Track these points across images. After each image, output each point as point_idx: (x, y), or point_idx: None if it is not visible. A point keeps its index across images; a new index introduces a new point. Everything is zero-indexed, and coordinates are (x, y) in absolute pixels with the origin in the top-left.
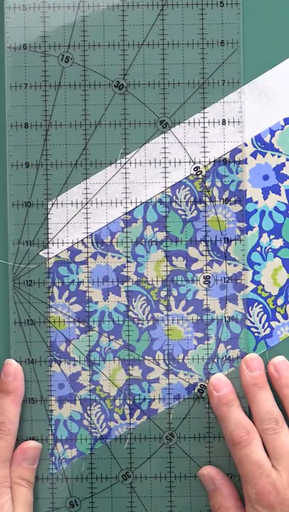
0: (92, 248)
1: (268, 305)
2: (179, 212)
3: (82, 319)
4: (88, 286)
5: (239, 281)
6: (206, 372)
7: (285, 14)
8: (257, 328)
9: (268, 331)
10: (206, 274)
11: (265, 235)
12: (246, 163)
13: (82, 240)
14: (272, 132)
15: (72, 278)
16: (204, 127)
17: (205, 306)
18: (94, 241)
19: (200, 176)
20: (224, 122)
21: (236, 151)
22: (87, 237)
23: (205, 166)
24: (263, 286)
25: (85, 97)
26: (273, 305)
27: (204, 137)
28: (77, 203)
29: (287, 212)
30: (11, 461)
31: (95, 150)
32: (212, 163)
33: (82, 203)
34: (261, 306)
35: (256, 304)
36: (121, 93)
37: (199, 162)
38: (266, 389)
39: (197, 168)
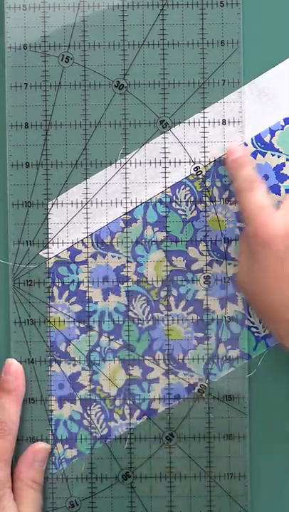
0: (92, 248)
1: None
2: (179, 212)
3: (82, 319)
4: (88, 286)
5: None
6: (206, 373)
7: (285, 14)
8: (257, 328)
9: (268, 330)
10: (206, 274)
11: None
12: None
13: (82, 240)
14: (272, 132)
15: (72, 278)
16: (204, 127)
17: (205, 306)
18: (94, 241)
19: (200, 176)
20: (224, 122)
21: None
22: (87, 237)
23: (205, 166)
24: None
25: (85, 97)
26: None
27: (204, 137)
28: (77, 203)
29: None
30: (22, 462)
31: (95, 150)
32: (212, 163)
33: (82, 203)
34: None
35: None
36: (121, 93)
37: (199, 162)
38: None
39: (197, 168)
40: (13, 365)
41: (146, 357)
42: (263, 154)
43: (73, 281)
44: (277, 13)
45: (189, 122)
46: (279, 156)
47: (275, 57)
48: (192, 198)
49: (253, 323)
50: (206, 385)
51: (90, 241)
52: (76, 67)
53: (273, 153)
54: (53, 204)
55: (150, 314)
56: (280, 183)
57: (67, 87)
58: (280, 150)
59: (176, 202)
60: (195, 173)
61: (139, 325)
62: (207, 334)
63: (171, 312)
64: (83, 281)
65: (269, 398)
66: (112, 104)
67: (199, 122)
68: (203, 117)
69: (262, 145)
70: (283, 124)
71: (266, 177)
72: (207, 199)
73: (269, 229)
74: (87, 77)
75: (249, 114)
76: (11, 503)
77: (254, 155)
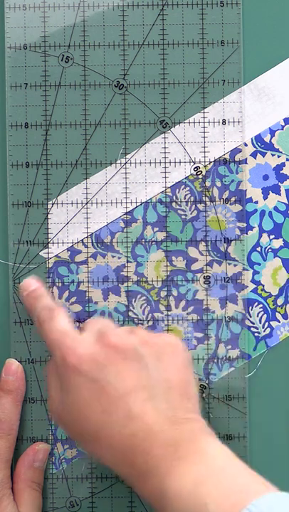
0: (92, 248)
1: (268, 305)
2: (179, 212)
3: (82, 319)
4: (88, 286)
5: (239, 281)
6: (206, 373)
7: (285, 14)
8: (257, 328)
9: (267, 331)
10: (206, 274)
11: (265, 234)
12: (246, 163)
13: (82, 240)
14: (272, 132)
15: (72, 278)
16: (204, 127)
17: (205, 306)
18: (94, 241)
19: (200, 176)
20: (224, 122)
21: (236, 151)
22: (87, 237)
23: (205, 166)
24: (263, 286)
25: (85, 97)
26: (273, 305)
27: (204, 137)
28: (77, 203)
29: (287, 212)
30: (22, 463)
31: (95, 150)
32: (212, 163)
33: (82, 203)
34: (261, 306)
35: (256, 303)
36: (121, 93)
37: (199, 162)
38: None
39: (197, 168)
40: (14, 365)
41: None
42: (263, 154)
43: (73, 281)
44: (277, 13)
45: (189, 122)
46: (279, 156)
47: (275, 57)
48: (192, 198)
49: (253, 323)
50: (206, 385)
51: (90, 241)
52: (76, 67)
53: (273, 153)
54: (53, 204)
55: (150, 314)
56: (280, 183)
57: (67, 87)
58: (280, 150)
59: (176, 202)
60: (195, 173)
61: (139, 325)
62: (207, 334)
63: (171, 312)
64: (83, 282)
65: (269, 398)
66: (112, 104)
67: (199, 122)
68: (203, 117)
69: (262, 145)
70: (283, 124)
71: (266, 177)
72: (207, 199)
73: (76, 352)
74: (87, 77)
75: (249, 114)
76: (11, 503)
77: (254, 155)
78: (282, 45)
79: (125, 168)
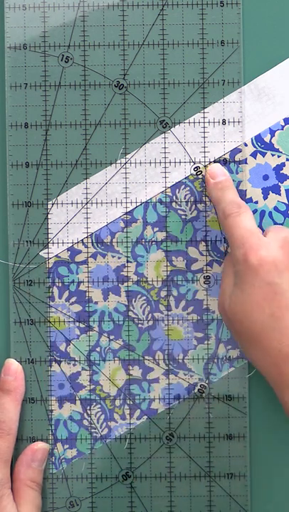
0: (92, 248)
1: None
2: (179, 212)
3: (82, 319)
4: (88, 286)
5: None
6: (206, 373)
7: (285, 14)
8: None
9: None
10: (206, 274)
11: None
12: (246, 163)
13: (82, 240)
14: (272, 132)
15: (72, 278)
16: (204, 127)
17: (205, 306)
18: (94, 241)
19: (200, 176)
20: (224, 122)
21: (236, 151)
22: (87, 237)
23: (205, 166)
24: None
25: (85, 97)
26: None
27: (204, 137)
28: (77, 203)
29: (287, 212)
30: (21, 462)
31: (95, 150)
32: (212, 163)
33: (82, 203)
34: None
35: None
36: (121, 93)
37: (199, 162)
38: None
39: (197, 168)
40: (13, 365)
41: (146, 357)
42: (263, 154)
43: (73, 281)
44: (277, 13)
45: (189, 122)
46: (279, 156)
47: (275, 57)
48: (192, 198)
49: None
50: (206, 384)
51: (90, 241)
52: (76, 67)
53: (273, 153)
54: (53, 204)
55: (150, 314)
56: (280, 183)
57: (67, 87)
58: (280, 150)
59: (176, 202)
60: (195, 173)
61: (139, 325)
62: (207, 334)
63: (171, 312)
64: (83, 281)
65: (269, 398)
66: (112, 104)
67: (199, 122)
68: (203, 117)
69: (262, 145)
70: (283, 124)
71: (266, 177)
72: (207, 199)
73: (259, 252)
74: (87, 77)
75: (249, 114)
76: (11, 503)
77: (254, 155)
78: (282, 45)
79: (125, 168)
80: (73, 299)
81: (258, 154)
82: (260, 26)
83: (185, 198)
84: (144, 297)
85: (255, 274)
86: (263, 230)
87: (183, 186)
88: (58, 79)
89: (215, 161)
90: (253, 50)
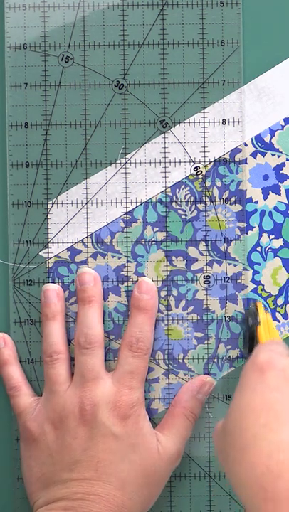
0: (92, 248)
1: (268, 305)
2: (179, 212)
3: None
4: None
5: (239, 281)
6: (206, 373)
7: (285, 14)
8: None
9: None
10: (206, 274)
11: (265, 234)
12: (246, 163)
13: (82, 240)
14: (272, 132)
15: (72, 278)
16: (204, 127)
17: (205, 306)
18: (94, 241)
19: (200, 176)
20: (224, 122)
21: (236, 151)
22: (87, 237)
23: (205, 166)
24: (263, 286)
25: (85, 97)
26: (273, 305)
27: (204, 137)
28: (77, 203)
29: (287, 212)
30: (186, 390)
31: (95, 150)
32: (212, 163)
33: (82, 203)
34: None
35: None
36: (121, 93)
37: (199, 162)
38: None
39: (197, 168)
40: (148, 284)
41: None
42: (263, 154)
43: (73, 281)
44: (278, 13)
45: (189, 122)
46: (279, 156)
47: (275, 57)
48: (192, 198)
49: None
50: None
51: (90, 241)
52: (76, 67)
53: (273, 153)
54: (53, 204)
55: None
56: (280, 183)
57: (67, 87)
58: (280, 150)
59: (176, 202)
60: (195, 173)
61: None
62: (207, 334)
63: (171, 312)
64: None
65: None
66: (112, 104)
67: (199, 122)
68: (203, 117)
69: (262, 145)
70: (283, 124)
71: (266, 177)
72: (207, 199)
73: (270, 354)
74: (87, 77)
75: (249, 114)
76: (147, 422)
77: (254, 155)
78: (282, 45)
79: (125, 168)
80: (73, 299)
81: (258, 154)
82: (260, 26)
83: (185, 198)
84: None
85: (260, 377)
86: (262, 230)
87: (183, 186)
88: (58, 79)
89: (215, 161)
90: (253, 50)
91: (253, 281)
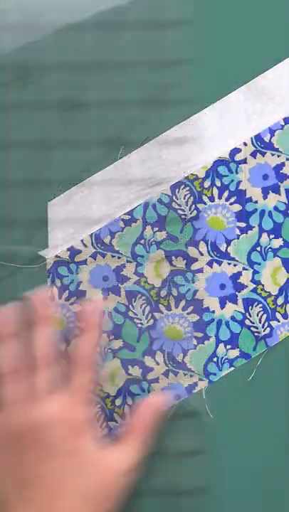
0: (92, 248)
1: (268, 305)
2: (179, 212)
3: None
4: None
5: (239, 281)
6: (206, 373)
7: (285, 14)
8: (257, 328)
9: (267, 330)
10: (206, 274)
11: (264, 234)
12: (246, 162)
13: (82, 240)
14: (272, 132)
15: (72, 278)
16: (204, 127)
17: (205, 306)
18: (94, 241)
19: (200, 176)
20: (224, 122)
21: (236, 150)
22: (87, 237)
23: (205, 166)
24: (263, 285)
25: (43, 117)
26: (273, 305)
27: (203, 137)
28: (77, 203)
29: (287, 211)
30: (146, 405)
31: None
32: (212, 163)
33: (82, 203)
34: (261, 305)
35: (256, 303)
36: (78, 112)
37: (199, 162)
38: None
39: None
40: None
41: (146, 357)
42: (263, 154)
43: (73, 281)
44: (277, 13)
45: (189, 122)
46: (279, 156)
47: (275, 57)
48: (192, 198)
49: (253, 323)
50: (207, 384)
51: (89, 241)
52: (33, 86)
53: (273, 152)
54: (53, 204)
55: (150, 314)
56: (279, 183)
57: (23, 107)
58: (280, 150)
59: (175, 202)
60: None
61: (139, 325)
62: (207, 334)
63: (171, 312)
64: (83, 281)
65: (269, 398)
66: (70, 123)
67: (199, 122)
68: (203, 117)
69: (262, 145)
70: (283, 123)
71: (266, 177)
72: (207, 199)
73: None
74: (44, 97)
75: (249, 114)
76: (97, 437)
77: (254, 155)
78: (282, 45)
79: (125, 167)
80: (73, 299)
81: (258, 154)
82: (260, 26)
83: (185, 198)
84: (144, 297)
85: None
86: (262, 230)
87: (182, 186)
88: (13, 100)
89: (215, 161)
90: (253, 50)
91: (252, 281)
